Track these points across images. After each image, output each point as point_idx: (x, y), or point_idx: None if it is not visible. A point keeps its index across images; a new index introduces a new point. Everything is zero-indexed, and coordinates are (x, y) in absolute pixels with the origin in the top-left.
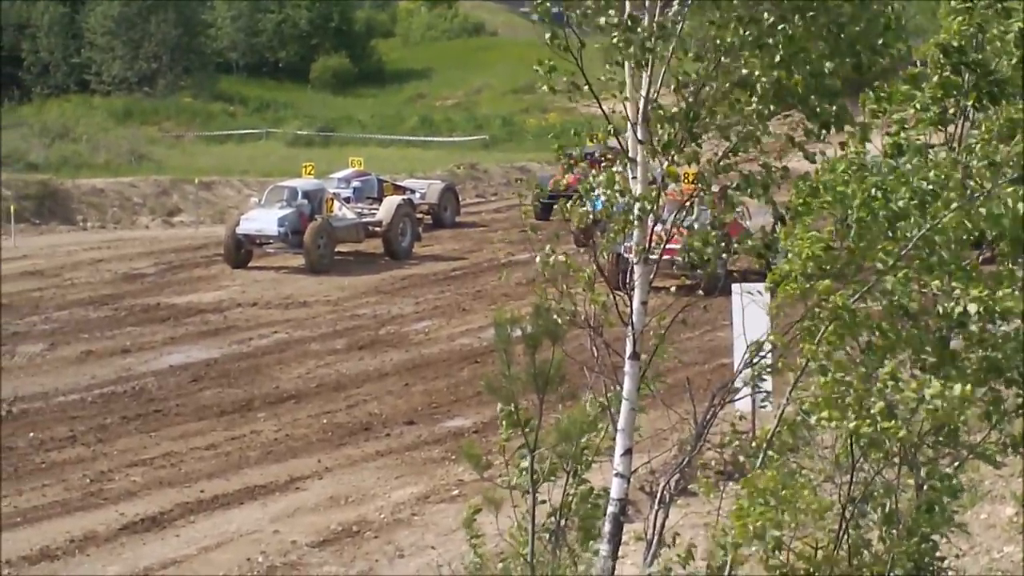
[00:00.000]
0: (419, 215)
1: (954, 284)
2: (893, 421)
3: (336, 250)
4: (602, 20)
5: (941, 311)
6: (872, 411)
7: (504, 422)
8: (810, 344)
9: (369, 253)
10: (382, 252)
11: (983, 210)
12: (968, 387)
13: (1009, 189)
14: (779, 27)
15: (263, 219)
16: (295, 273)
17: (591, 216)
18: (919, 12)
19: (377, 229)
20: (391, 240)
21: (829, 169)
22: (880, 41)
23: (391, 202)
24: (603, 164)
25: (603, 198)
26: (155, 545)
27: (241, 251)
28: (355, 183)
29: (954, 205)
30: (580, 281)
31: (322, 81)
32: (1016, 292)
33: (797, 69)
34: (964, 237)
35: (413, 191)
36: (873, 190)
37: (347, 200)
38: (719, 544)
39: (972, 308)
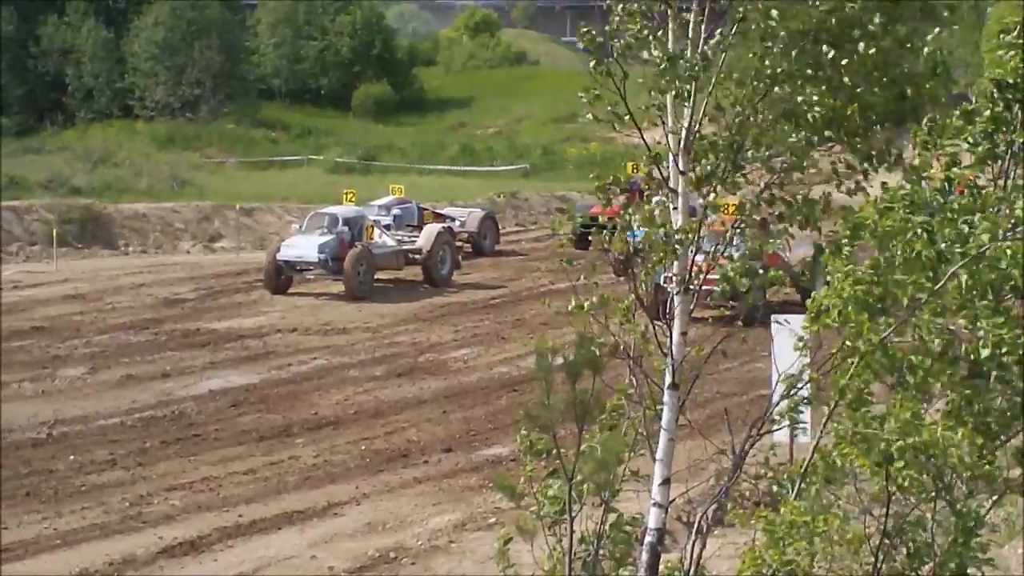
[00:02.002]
0: (459, 243)
1: (979, 325)
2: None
3: (376, 277)
4: (645, 54)
5: (963, 352)
6: (891, 449)
7: (527, 454)
8: (842, 378)
9: (409, 281)
10: (422, 280)
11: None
12: (965, 432)
13: None
14: (830, 60)
15: (303, 246)
16: (335, 300)
17: (631, 247)
18: (961, 44)
19: (417, 257)
20: (431, 268)
21: (876, 205)
22: (928, 85)
23: (431, 230)
24: (643, 195)
25: (640, 231)
26: (193, 569)
27: (281, 277)
28: (395, 210)
29: (987, 239)
30: (619, 312)
31: (364, 108)
32: None
33: (849, 99)
34: (1009, 281)
35: (453, 219)
36: (919, 230)
37: (387, 227)
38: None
39: (985, 352)
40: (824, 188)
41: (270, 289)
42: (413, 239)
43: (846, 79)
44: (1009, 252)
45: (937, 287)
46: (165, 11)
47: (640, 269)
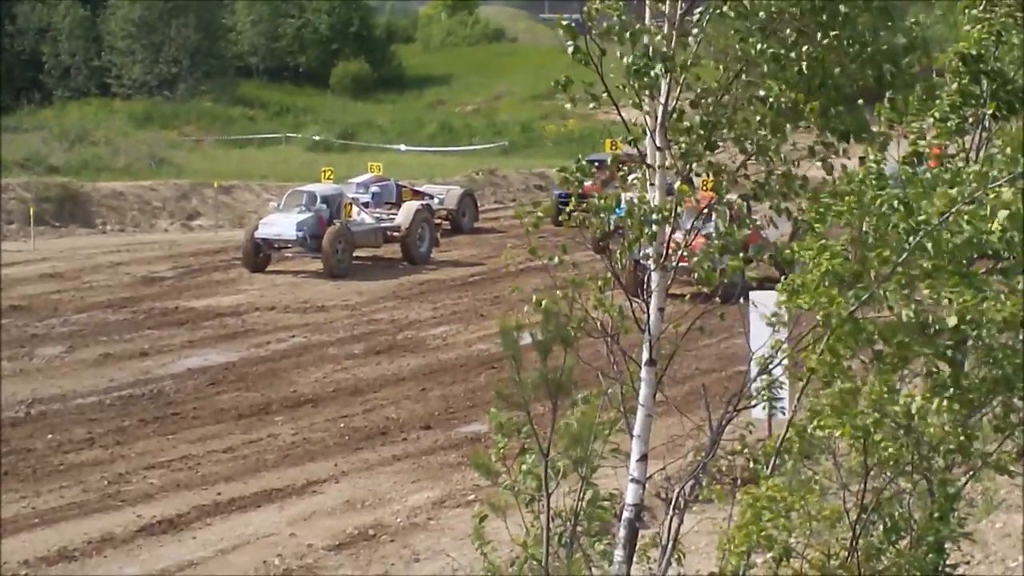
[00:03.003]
0: (437, 221)
1: (944, 293)
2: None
3: (354, 255)
4: (619, 54)
5: (931, 321)
6: (867, 422)
7: (498, 431)
8: (813, 353)
9: (388, 258)
10: (400, 257)
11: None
12: (944, 403)
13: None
14: (800, 45)
15: (282, 223)
16: (313, 277)
17: (610, 223)
18: (939, 22)
19: (396, 234)
20: (409, 245)
21: (847, 180)
22: (905, 60)
23: (410, 207)
24: (620, 171)
25: (624, 205)
26: (172, 547)
27: (259, 255)
28: (374, 188)
29: (943, 204)
30: (592, 288)
31: (342, 86)
32: (1005, 302)
33: (815, 89)
34: (975, 248)
35: (432, 196)
36: (895, 202)
37: (366, 205)
38: (728, 551)
39: (952, 321)
40: (802, 164)
41: (248, 267)
42: (391, 217)
43: (807, 63)
44: (967, 218)
45: (901, 258)
46: None
47: (617, 247)
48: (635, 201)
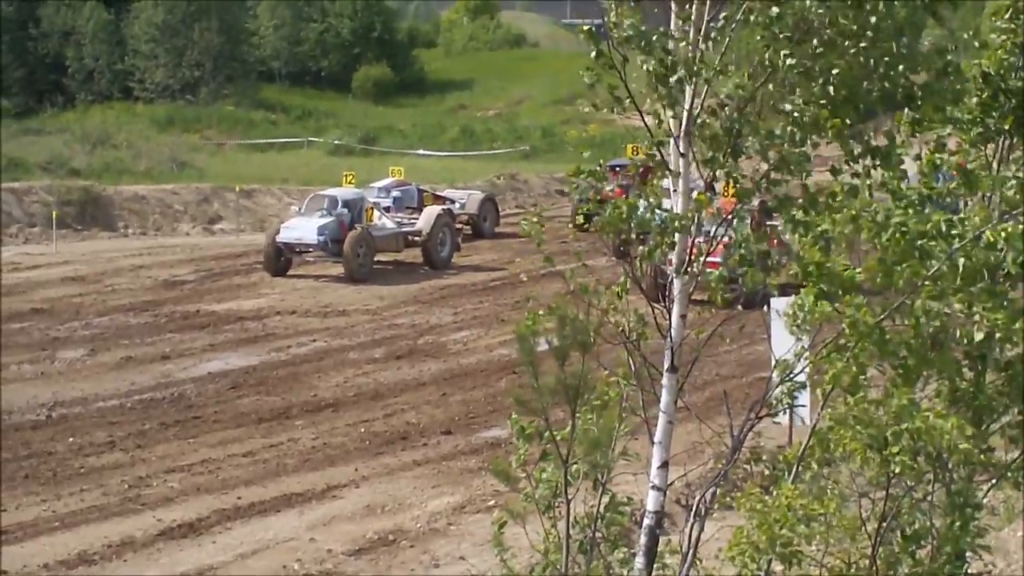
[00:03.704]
0: (458, 225)
1: (975, 309)
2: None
3: (376, 259)
4: (640, 62)
5: (958, 335)
6: (886, 434)
7: (519, 437)
8: (837, 362)
9: (409, 263)
10: (421, 262)
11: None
12: (955, 421)
13: None
14: (827, 56)
15: (303, 228)
16: (334, 282)
17: (631, 230)
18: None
19: (417, 239)
20: (430, 250)
21: (866, 203)
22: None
23: (431, 212)
24: (642, 177)
25: (644, 209)
26: (192, 551)
27: (281, 259)
28: (395, 192)
29: (979, 221)
30: (611, 294)
31: (363, 90)
32: None
33: (840, 103)
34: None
35: (453, 201)
36: (909, 210)
37: (387, 209)
38: (746, 557)
39: (979, 336)
40: (824, 178)
41: (270, 271)
42: (413, 221)
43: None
44: (1003, 235)
45: (933, 271)
46: None
47: (637, 253)
48: (656, 207)
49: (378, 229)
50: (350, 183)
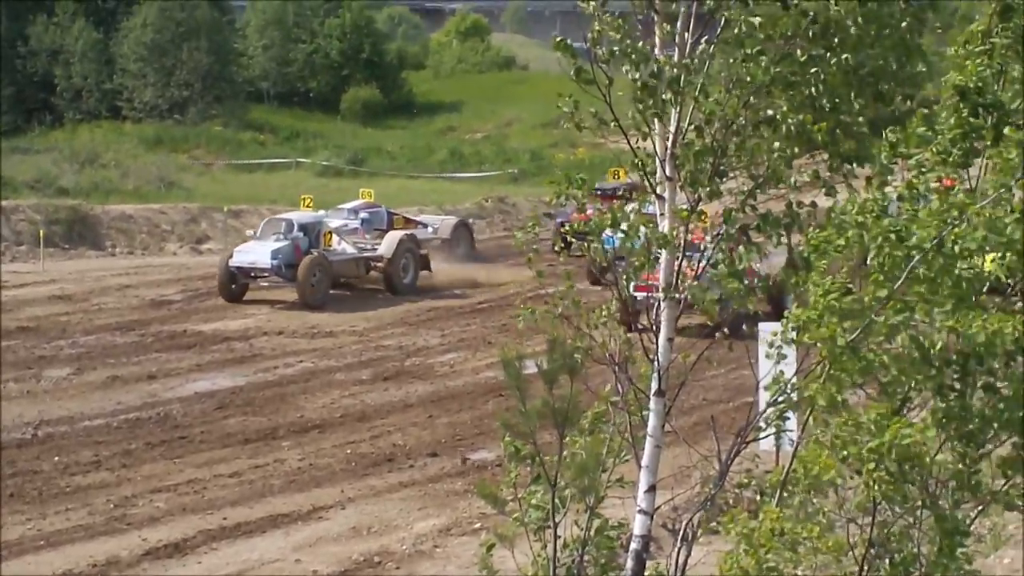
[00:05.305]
0: (425, 252)
1: (935, 315)
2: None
3: (339, 283)
4: (625, 69)
5: (935, 349)
6: (863, 451)
7: (511, 460)
8: (815, 384)
9: (369, 289)
10: (382, 288)
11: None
12: (945, 441)
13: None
14: (811, 69)
15: (257, 252)
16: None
17: (609, 254)
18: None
19: (378, 264)
20: (391, 275)
21: (841, 211)
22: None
23: (393, 237)
24: (620, 200)
25: (617, 238)
26: (177, 571)
27: (234, 284)
28: (363, 214)
29: (934, 227)
30: (596, 317)
31: (352, 112)
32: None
33: (823, 112)
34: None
35: (425, 225)
36: (891, 234)
37: (355, 231)
38: None
39: (940, 341)
40: (809, 195)
41: (224, 296)
42: (375, 246)
43: (819, 88)
44: (960, 242)
45: (896, 284)
46: (154, 12)
47: (620, 276)
48: (637, 228)
49: (336, 254)
50: (308, 207)
